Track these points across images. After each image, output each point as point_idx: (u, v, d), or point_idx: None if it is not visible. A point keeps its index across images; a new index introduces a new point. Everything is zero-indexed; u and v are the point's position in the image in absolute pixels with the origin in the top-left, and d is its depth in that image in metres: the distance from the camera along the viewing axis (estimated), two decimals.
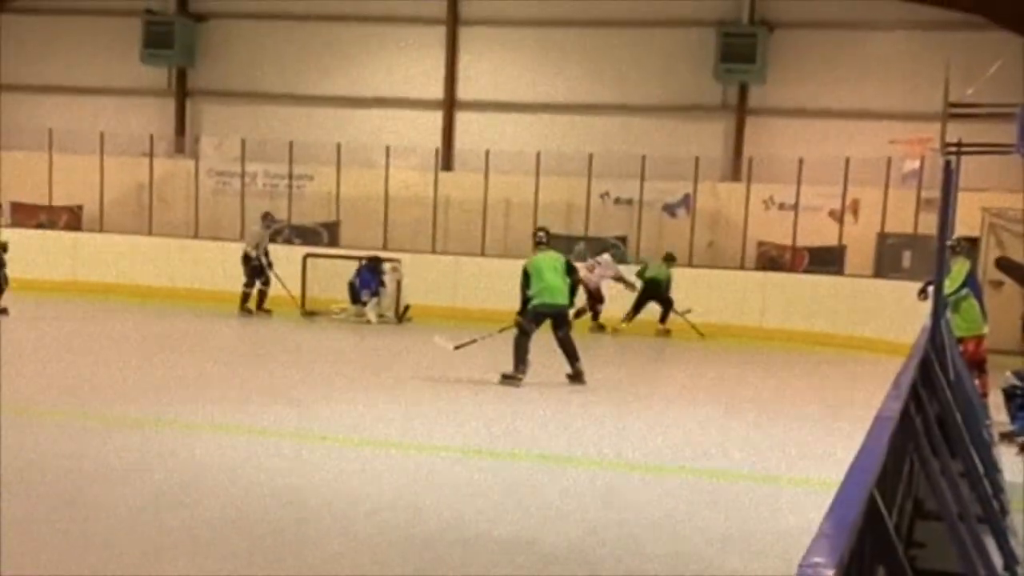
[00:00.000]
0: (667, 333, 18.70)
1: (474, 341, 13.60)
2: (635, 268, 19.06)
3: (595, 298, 18.97)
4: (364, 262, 19.14)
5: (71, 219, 22.92)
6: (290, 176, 22.19)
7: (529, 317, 12.68)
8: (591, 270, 18.65)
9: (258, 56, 23.66)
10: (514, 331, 12.72)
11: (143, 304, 19.65)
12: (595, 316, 19.03)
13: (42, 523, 6.52)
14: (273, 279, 19.02)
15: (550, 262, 12.88)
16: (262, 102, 23.58)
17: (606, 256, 19.30)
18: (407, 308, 19.27)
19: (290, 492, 7.48)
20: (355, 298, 19.04)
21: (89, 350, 14.41)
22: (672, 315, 18.61)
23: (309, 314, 19.05)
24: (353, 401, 11.17)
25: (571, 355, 12.69)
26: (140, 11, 23.40)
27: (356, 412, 10.59)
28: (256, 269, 18.99)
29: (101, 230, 22.25)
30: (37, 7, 24.32)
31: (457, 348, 13.78)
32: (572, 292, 13.19)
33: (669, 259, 19.11)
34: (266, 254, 19.08)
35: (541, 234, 13.56)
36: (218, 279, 20.11)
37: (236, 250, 19.99)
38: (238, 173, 22.47)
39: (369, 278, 18.96)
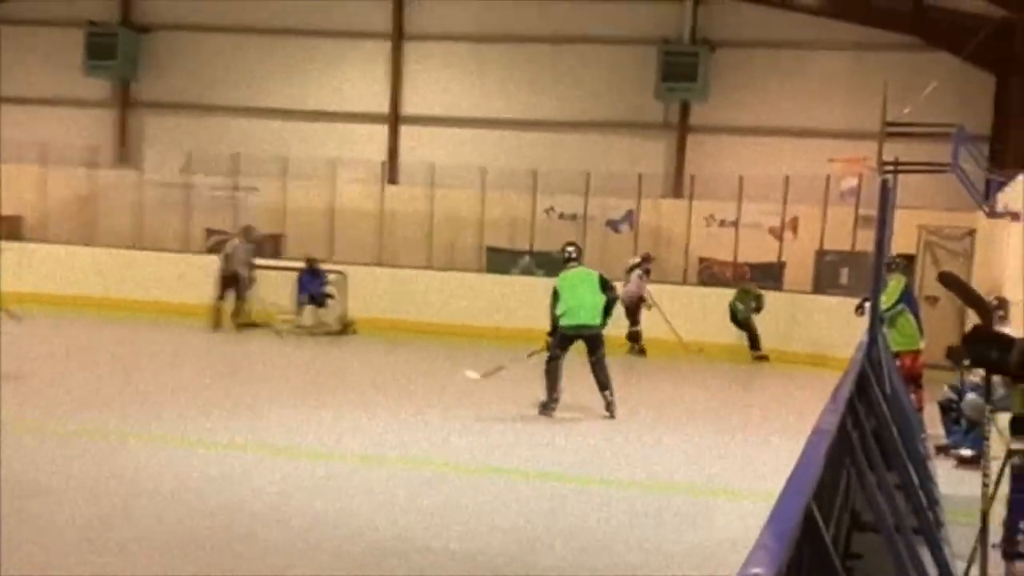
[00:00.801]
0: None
1: (501, 368, 12.68)
2: None
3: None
4: (305, 269, 19.13)
5: (12, 229, 22.63)
6: (235, 188, 22.12)
7: (557, 339, 11.76)
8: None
9: (203, 68, 23.56)
10: (544, 355, 11.82)
11: (83, 315, 19.45)
12: (636, 339, 18.32)
13: None
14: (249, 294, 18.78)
15: (582, 278, 11.99)
16: (207, 114, 23.48)
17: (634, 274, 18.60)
18: (351, 322, 19.24)
19: (228, 505, 7.50)
20: (301, 307, 19.03)
21: (26, 361, 14.25)
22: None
23: (252, 325, 18.96)
24: (291, 414, 11.16)
25: (603, 383, 11.72)
26: (83, 22, 23.23)
27: (293, 424, 10.59)
28: (240, 284, 18.71)
29: (43, 240, 22.00)
30: None
31: (485, 376, 12.84)
32: (607, 311, 12.01)
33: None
34: (251, 268, 18.81)
35: (571, 249, 12.48)
36: (160, 290, 20.00)
37: (178, 261, 19.93)
38: (182, 185, 22.35)
39: (309, 281, 18.95)
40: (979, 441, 9.75)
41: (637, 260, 18.84)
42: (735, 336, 18.41)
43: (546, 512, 7.88)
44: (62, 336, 16.42)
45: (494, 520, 7.51)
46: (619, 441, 10.69)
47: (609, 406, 11.68)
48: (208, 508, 7.40)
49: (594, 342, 11.78)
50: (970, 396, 10.02)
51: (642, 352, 18.19)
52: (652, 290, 18.35)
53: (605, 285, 12.03)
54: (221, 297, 18.74)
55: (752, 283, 18.90)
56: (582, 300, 11.79)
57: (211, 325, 18.50)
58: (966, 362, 10.22)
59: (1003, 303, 12.01)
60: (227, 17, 23.37)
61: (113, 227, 22.18)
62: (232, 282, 18.72)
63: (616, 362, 16.63)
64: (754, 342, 18.15)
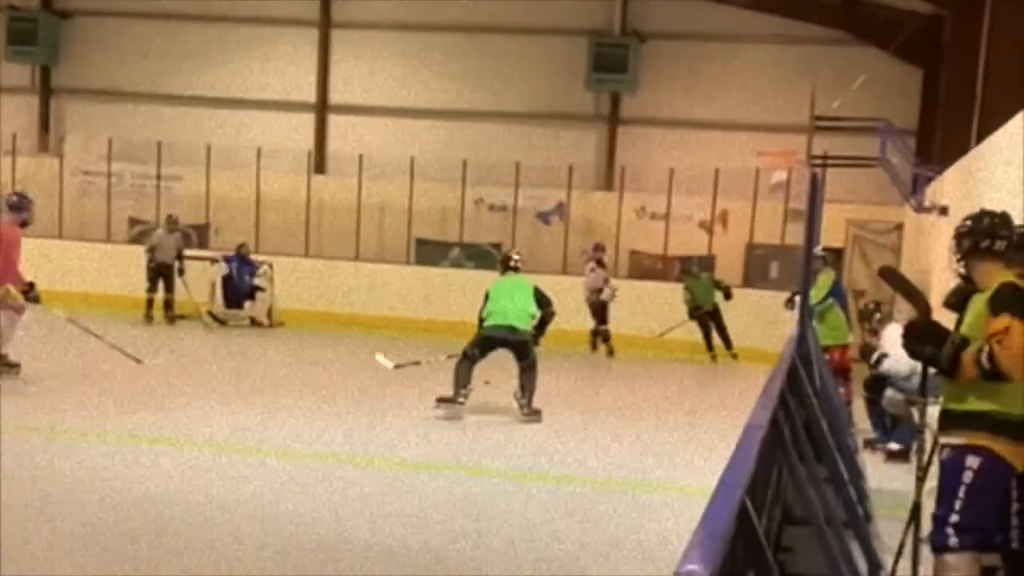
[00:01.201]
0: None
1: (417, 363, 12.75)
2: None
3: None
4: (234, 256, 18.88)
5: None
6: (158, 177, 21.75)
7: (476, 339, 11.43)
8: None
9: (126, 54, 23.15)
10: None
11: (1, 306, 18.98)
12: (605, 338, 17.81)
13: None
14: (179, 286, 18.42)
15: (517, 285, 11.64)
16: (130, 101, 23.08)
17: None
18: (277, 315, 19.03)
19: (147, 499, 7.32)
20: (230, 298, 18.75)
21: None
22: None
23: (180, 317, 18.64)
24: (219, 407, 10.97)
25: (523, 387, 11.25)
26: (3, 7, 22.77)
27: (219, 418, 10.40)
28: (169, 276, 18.35)
29: None
30: None
31: (398, 367, 12.76)
32: (541, 327, 11.63)
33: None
34: (180, 259, 18.33)
35: (516, 258, 12.14)
36: (84, 281, 19.57)
37: (102, 251, 19.56)
38: (104, 173, 21.96)
39: (239, 271, 18.75)
40: (905, 435, 9.83)
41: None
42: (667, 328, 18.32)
43: (481, 508, 7.76)
44: None
45: (429, 515, 7.39)
46: (543, 437, 10.59)
47: (522, 409, 11.24)
48: (121, 502, 7.19)
49: (519, 349, 11.39)
50: (888, 392, 10.08)
51: (611, 353, 17.52)
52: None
53: (541, 300, 11.63)
54: (152, 289, 18.37)
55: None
56: (508, 305, 11.42)
57: (143, 317, 18.17)
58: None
59: (879, 306, 12.15)
60: (151, 3, 22.98)
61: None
62: (160, 273, 18.36)
63: (577, 359, 16.71)
64: (728, 338, 17.48)
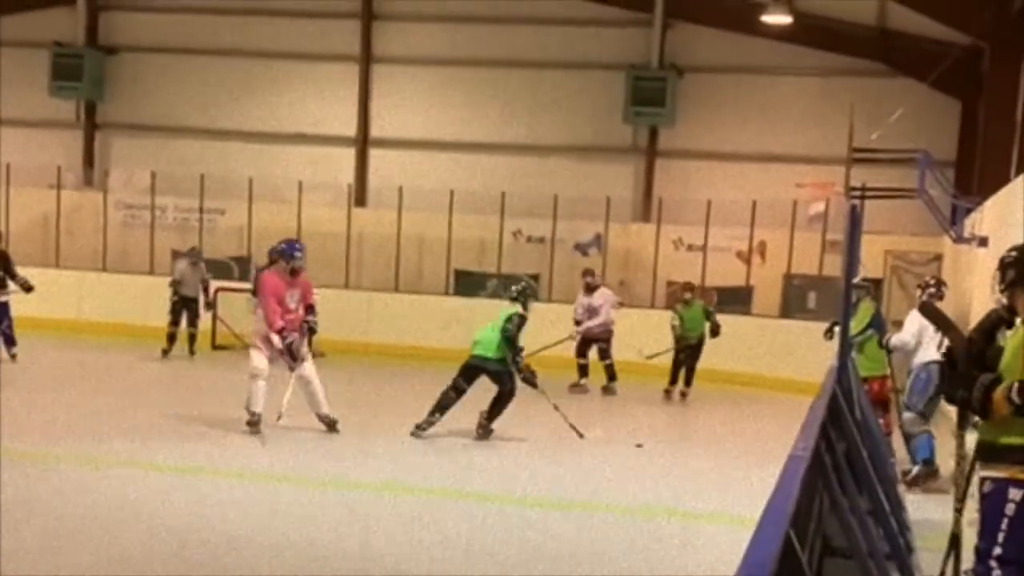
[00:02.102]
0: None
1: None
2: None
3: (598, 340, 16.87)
4: None
5: None
6: (201, 210, 21.99)
7: (460, 367, 11.89)
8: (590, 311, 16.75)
9: (169, 89, 23.48)
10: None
11: (46, 337, 19.24)
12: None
13: None
14: (205, 317, 18.24)
15: (500, 314, 11.98)
16: (173, 135, 23.39)
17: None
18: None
19: (179, 528, 7.42)
20: None
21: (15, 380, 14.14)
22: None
23: (220, 348, 18.84)
24: (273, 437, 11.09)
25: (489, 412, 11.68)
26: (49, 43, 23.13)
27: (259, 448, 10.51)
28: (191, 309, 17.98)
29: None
30: None
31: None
32: (506, 346, 11.69)
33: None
34: (205, 291, 18.10)
35: (514, 288, 12.47)
36: (125, 312, 19.82)
37: (144, 283, 19.79)
38: (148, 206, 22.22)
39: None
40: (923, 448, 10.01)
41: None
42: (706, 360, 18.20)
43: (528, 536, 7.81)
44: (24, 359, 16.17)
45: (470, 545, 7.45)
46: (591, 467, 10.64)
47: (478, 428, 11.60)
48: (176, 533, 7.31)
49: (494, 377, 11.72)
50: (906, 415, 10.26)
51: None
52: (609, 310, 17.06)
53: (506, 323, 11.80)
54: (175, 323, 17.99)
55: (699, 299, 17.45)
56: (482, 335, 11.86)
57: (161, 352, 17.82)
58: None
59: None
60: (194, 39, 23.34)
61: (78, 249, 21.99)
62: (185, 306, 17.99)
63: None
64: (691, 377, 16.66)
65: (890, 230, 19.22)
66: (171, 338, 17.92)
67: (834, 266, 16.32)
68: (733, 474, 10.58)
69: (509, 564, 7.10)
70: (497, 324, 11.84)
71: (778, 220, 19.53)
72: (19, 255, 21.43)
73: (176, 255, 22.14)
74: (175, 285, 18.15)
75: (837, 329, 9.10)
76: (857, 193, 16.92)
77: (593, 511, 8.70)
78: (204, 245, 21.56)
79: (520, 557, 7.28)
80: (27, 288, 15.68)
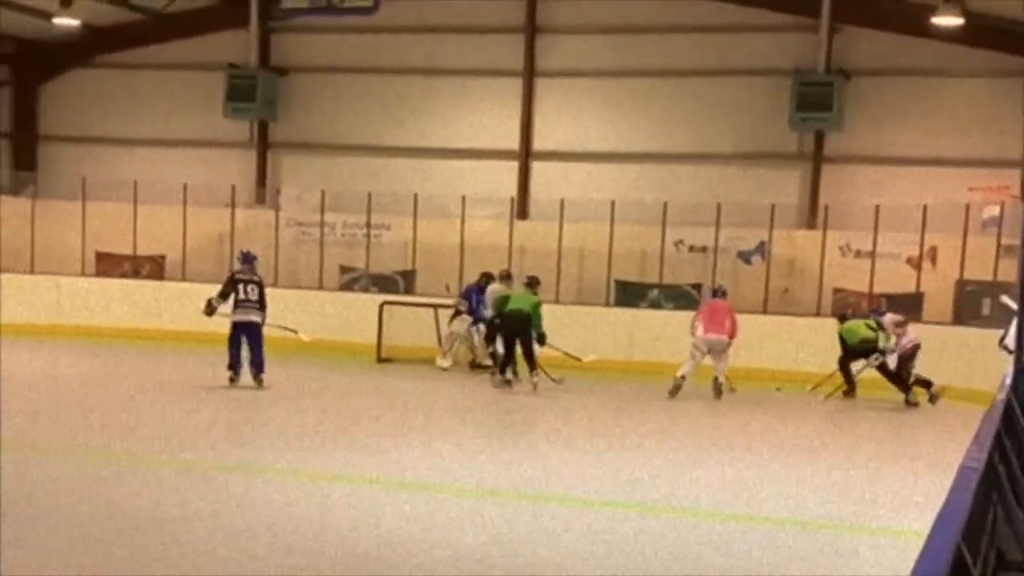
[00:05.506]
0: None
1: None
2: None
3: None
4: (474, 287, 18.88)
5: (154, 268, 23.34)
6: (368, 226, 22.46)
7: None
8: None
9: (337, 108, 24.06)
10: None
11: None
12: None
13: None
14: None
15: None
16: (341, 153, 23.96)
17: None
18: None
19: (357, 538, 7.59)
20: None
21: (179, 397, 14.68)
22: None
23: (385, 361, 19.25)
24: (429, 446, 11.28)
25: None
26: (223, 66, 23.93)
27: (431, 458, 10.69)
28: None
29: (183, 279, 22.56)
30: (124, 62, 24.97)
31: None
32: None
33: (531, 284, 17.34)
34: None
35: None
36: (300, 327, 20.33)
37: (314, 298, 20.39)
38: (317, 223, 22.79)
39: (479, 301, 18.58)
40: None
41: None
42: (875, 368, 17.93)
43: (678, 548, 7.79)
44: (205, 371, 16.74)
45: (635, 557, 7.46)
46: (761, 478, 10.54)
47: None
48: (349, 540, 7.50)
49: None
50: None
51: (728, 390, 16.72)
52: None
53: None
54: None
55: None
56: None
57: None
58: None
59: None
60: (360, 58, 23.87)
61: None
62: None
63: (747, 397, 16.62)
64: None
65: None
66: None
67: (1010, 271, 15.81)
68: (900, 486, 10.34)
69: None
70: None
71: (950, 224, 19.00)
72: (195, 273, 22.42)
73: (344, 270, 22.64)
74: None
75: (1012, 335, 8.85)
76: None
77: (761, 524, 8.61)
78: (370, 260, 22.12)
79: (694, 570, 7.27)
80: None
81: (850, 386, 16.99)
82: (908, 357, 16.81)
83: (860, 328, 16.81)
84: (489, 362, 17.45)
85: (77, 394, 14.56)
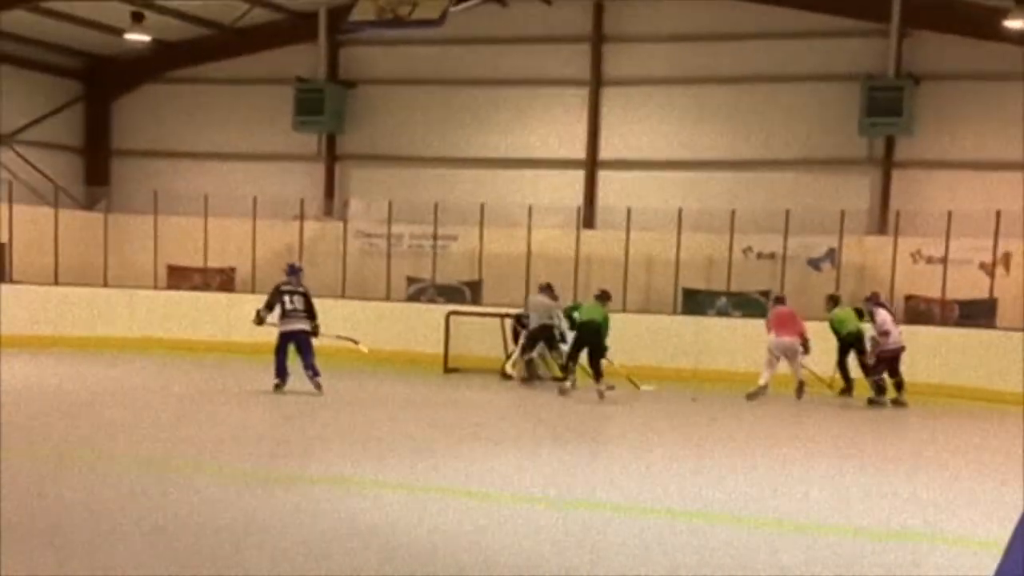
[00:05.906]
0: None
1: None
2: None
3: None
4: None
5: (224, 281, 23.60)
6: (435, 237, 22.54)
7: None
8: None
9: (404, 120, 24.21)
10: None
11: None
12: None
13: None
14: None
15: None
16: (408, 164, 24.11)
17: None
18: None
19: (430, 547, 7.62)
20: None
21: (251, 407, 14.84)
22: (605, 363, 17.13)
23: (452, 371, 19.31)
24: (496, 457, 11.30)
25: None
26: (292, 79, 24.18)
27: (498, 467, 10.71)
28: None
29: (253, 291, 22.68)
30: (194, 77, 25.34)
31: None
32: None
33: (603, 297, 17.64)
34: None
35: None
36: (367, 337, 20.45)
37: (382, 309, 20.49)
38: (384, 234, 22.91)
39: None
40: None
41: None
42: (948, 376, 17.72)
43: (749, 558, 7.74)
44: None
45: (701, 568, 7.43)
46: (832, 486, 10.44)
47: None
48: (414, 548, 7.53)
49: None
50: None
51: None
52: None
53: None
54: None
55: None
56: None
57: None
58: None
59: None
60: (427, 70, 24.01)
61: (318, 276, 22.76)
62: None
63: (788, 396, 16.47)
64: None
65: None
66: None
67: None
68: (978, 494, 10.17)
69: None
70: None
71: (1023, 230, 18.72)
72: (264, 285, 22.53)
73: (411, 281, 22.73)
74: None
75: None
76: None
77: (829, 533, 8.53)
78: (436, 271, 22.21)
79: None
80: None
81: (847, 384, 17.37)
82: (890, 358, 16.71)
83: (851, 318, 17.33)
84: (558, 373, 17.63)
85: (153, 406, 14.74)
